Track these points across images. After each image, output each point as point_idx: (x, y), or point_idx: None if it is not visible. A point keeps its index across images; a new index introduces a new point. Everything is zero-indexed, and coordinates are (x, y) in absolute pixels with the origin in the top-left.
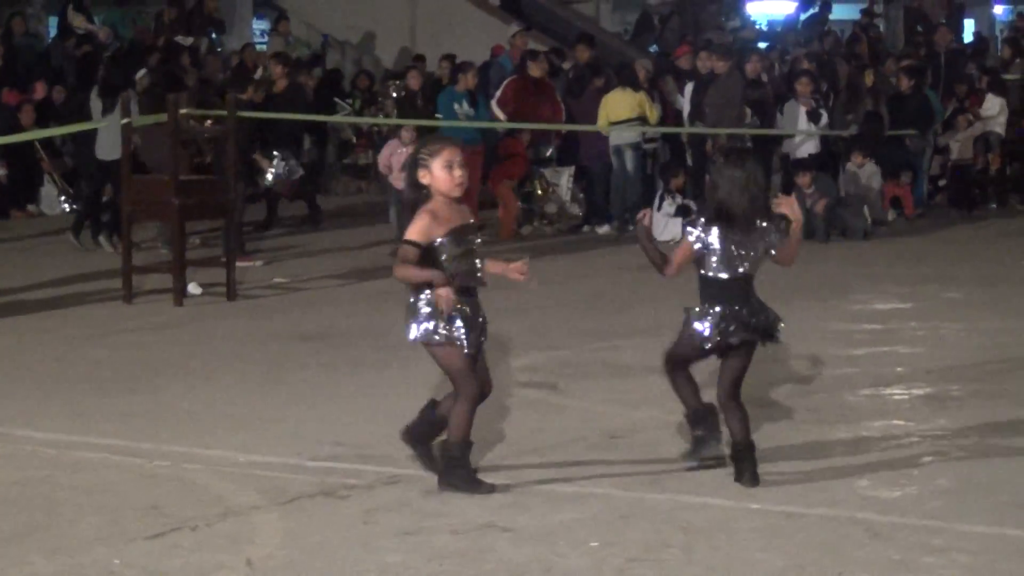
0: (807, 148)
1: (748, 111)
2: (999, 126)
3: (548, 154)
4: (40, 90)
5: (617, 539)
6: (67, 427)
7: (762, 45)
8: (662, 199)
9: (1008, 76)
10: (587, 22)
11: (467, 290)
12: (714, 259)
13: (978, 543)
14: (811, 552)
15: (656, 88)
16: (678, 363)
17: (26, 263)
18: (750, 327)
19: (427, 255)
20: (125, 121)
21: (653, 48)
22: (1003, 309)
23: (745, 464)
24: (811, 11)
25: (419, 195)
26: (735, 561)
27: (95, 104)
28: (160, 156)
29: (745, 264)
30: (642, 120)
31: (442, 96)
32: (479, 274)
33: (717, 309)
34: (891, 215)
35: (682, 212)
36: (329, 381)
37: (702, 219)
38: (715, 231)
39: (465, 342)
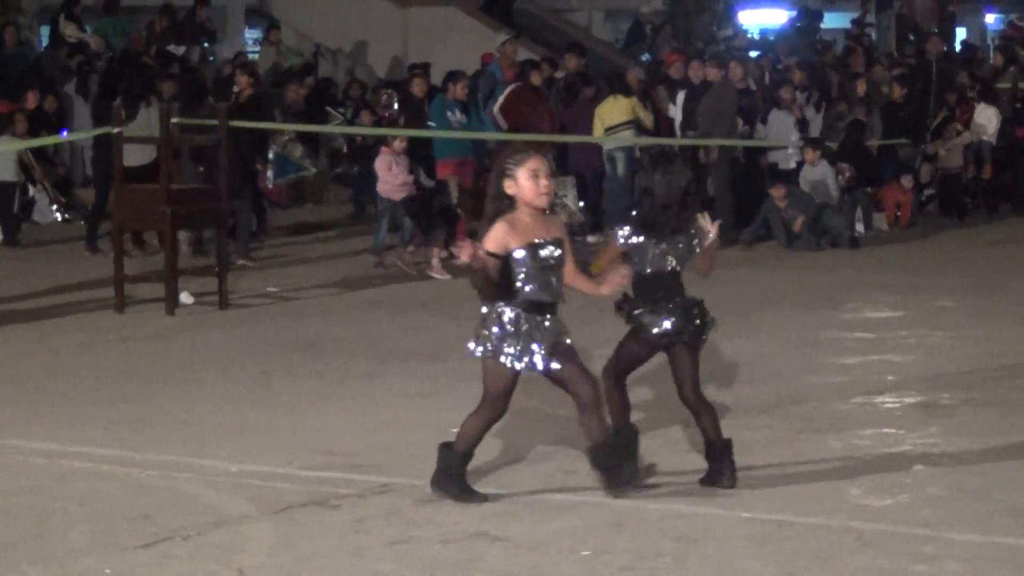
0: (796, 157)
1: (739, 120)
2: (991, 136)
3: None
4: (32, 99)
5: (609, 548)
6: (58, 436)
7: (754, 54)
8: None
9: (1000, 84)
10: (579, 31)
11: (541, 306)
12: (638, 257)
13: (969, 551)
14: (802, 560)
15: (648, 97)
16: (621, 374)
17: (18, 272)
18: (694, 321)
19: (503, 266)
20: (117, 130)
21: (645, 57)
22: (994, 317)
23: (724, 463)
24: (802, 20)
25: (502, 206)
26: (726, 569)
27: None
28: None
29: (672, 261)
30: (636, 124)
31: (435, 105)
32: (556, 289)
33: (666, 305)
34: (885, 225)
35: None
36: (320, 390)
37: (628, 223)
38: (643, 233)
39: (514, 361)
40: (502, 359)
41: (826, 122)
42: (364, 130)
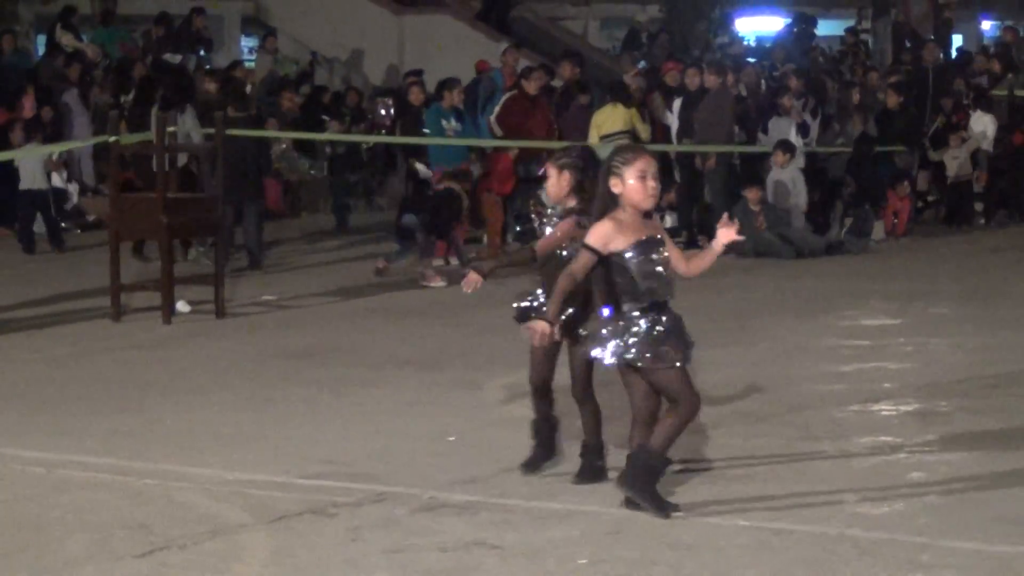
0: (795, 163)
1: (736, 128)
2: (987, 143)
3: (542, 172)
4: (29, 108)
5: (606, 556)
6: (55, 446)
7: (750, 61)
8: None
9: (996, 92)
10: (575, 39)
11: (659, 305)
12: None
13: (965, 559)
14: (799, 568)
15: (644, 105)
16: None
17: (13, 281)
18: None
19: (607, 265)
20: (114, 139)
21: (641, 64)
22: (991, 324)
23: (583, 462)
24: (797, 26)
25: (607, 204)
26: None
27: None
28: (231, 176)
29: None
30: (632, 135)
31: (429, 113)
32: (667, 286)
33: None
34: (882, 232)
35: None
36: (317, 399)
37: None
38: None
39: (673, 357)
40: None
41: (821, 129)
42: (360, 137)
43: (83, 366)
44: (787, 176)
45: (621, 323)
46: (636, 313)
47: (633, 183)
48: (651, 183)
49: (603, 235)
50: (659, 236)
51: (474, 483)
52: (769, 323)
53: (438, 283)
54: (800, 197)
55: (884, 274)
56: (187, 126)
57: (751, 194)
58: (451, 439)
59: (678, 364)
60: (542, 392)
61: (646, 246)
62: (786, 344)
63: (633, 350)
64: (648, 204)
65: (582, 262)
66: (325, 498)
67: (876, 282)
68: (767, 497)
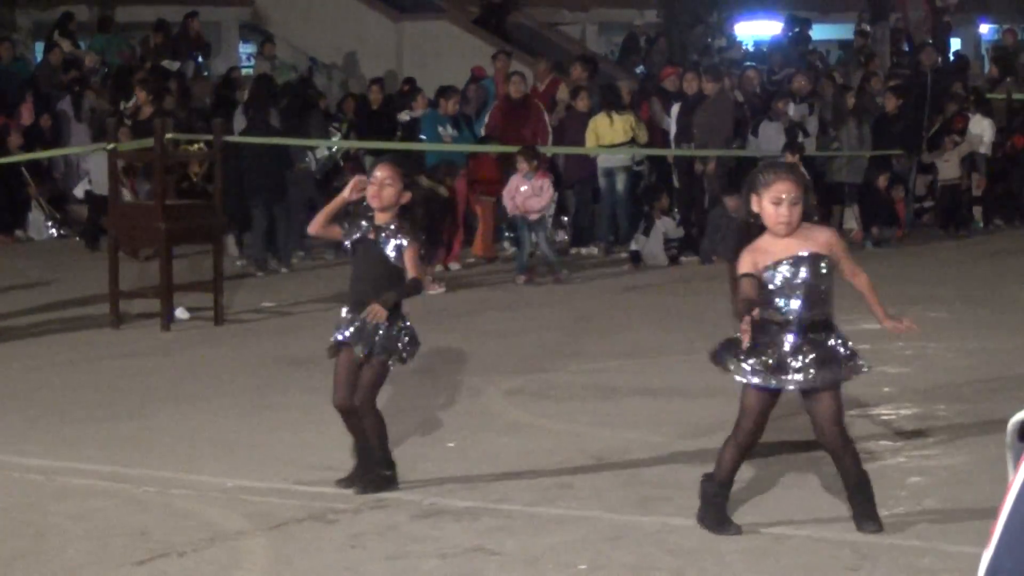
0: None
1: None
2: (985, 147)
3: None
4: (27, 115)
5: (605, 562)
6: (54, 453)
7: (749, 65)
8: (648, 222)
9: (993, 96)
10: (573, 44)
11: (814, 324)
12: None
13: (965, 564)
14: (798, 573)
15: (639, 108)
16: None
17: (13, 288)
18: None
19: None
20: (112, 146)
21: (639, 69)
22: (990, 329)
23: (379, 470)
24: (793, 30)
25: (748, 219)
26: None
27: (238, 122)
28: (257, 177)
29: None
30: (634, 142)
31: (426, 119)
32: (816, 304)
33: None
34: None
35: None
36: (317, 405)
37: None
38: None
39: (752, 378)
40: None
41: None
42: (356, 143)
43: (82, 373)
44: None
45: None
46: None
47: (767, 207)
48: (783, 210)
49: (746, 262)
50: (805, 254)
51: (474, 489)
52: None
53: (436, 290)
54: None
55: (882, 278)
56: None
57: (730, 203)
58: (450, 445)
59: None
60: (346, 414)
61: (781, 265)
62: None
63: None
64: (780, 231)
65: (746, 290)
66: (325, 505)
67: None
68: (766, 502)
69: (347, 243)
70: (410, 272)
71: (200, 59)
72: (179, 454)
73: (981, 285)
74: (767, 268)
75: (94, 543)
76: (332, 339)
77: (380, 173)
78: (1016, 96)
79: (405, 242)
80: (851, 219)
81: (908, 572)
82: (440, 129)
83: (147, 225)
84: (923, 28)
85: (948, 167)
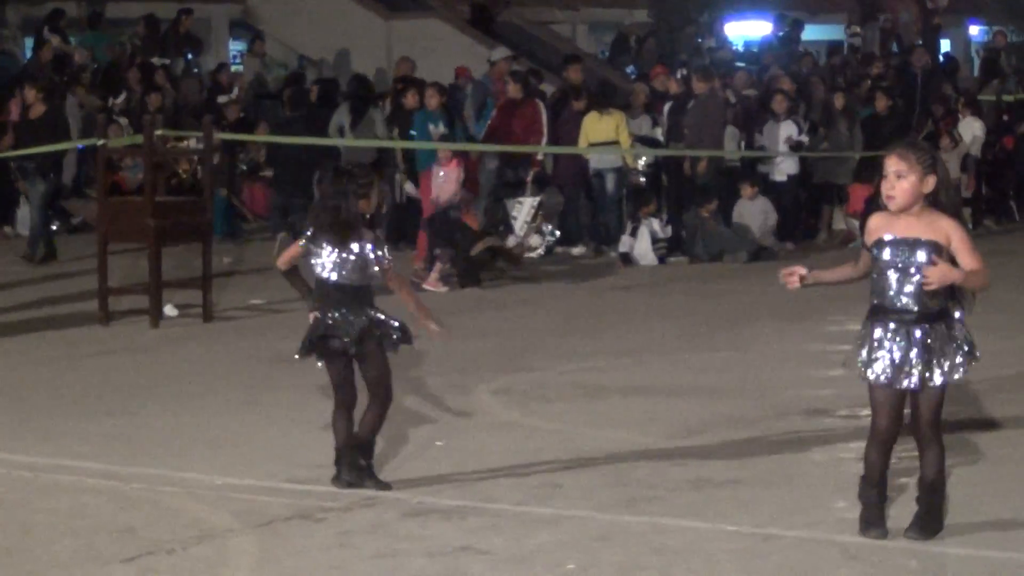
0: (786, 168)
1: (735, 130)
2: (975, 148)
3: (530, 178)
4: (15, 110)
5: (593, 562)
6: (43, 450)
7: (740, 66)
8: (635, 223)
9: (984, 97)
10: (564, 43)
11: (888, 312)
12: (318, 263)
13: (954, 565)
14: (787, 574)
15: (655, 111)
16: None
17: (1, 285)
18: (351, 334)
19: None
20: (102, 142)
21: (630, 69)
22: (979, 330)
23: (349, 458)
24: (783, 30)
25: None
26: None
27: (341, 119)
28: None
29: (343, 272)
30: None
31: (417, 117)
32: (902, 295)
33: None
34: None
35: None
36: (305, 403)
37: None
38: (322, 238)
39: (870, 371)
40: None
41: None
42: (344, 141)
43: (71, 370)
44: (757, 209)
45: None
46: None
47: (881, 180)
48: (887, 183)
49: (869, 229)
50: (926, 238)
51: (462, 488)
52: (756, 328)
53: (440, 288)
54: (770, 224)
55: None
56: (376, 125)
57: (706, 207)
58: (439, 444)
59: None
60: (352, 408)
61: (885, 246)
62: (775, 349)
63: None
64: (888, 203)
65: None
66: (313, 503)
67: (863, 287)
68: (755, 502)
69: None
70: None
71: (190, 56)
72: (167, 451)
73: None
74: (873, 246)
75: (82, 540)
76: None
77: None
78: (1006, 98)
79: (385, 260)
80: (841, 220)
81: (898, 573)
82: (431, 127)
83: (136, 222)
84: (913, 29)
85: (949, 167)
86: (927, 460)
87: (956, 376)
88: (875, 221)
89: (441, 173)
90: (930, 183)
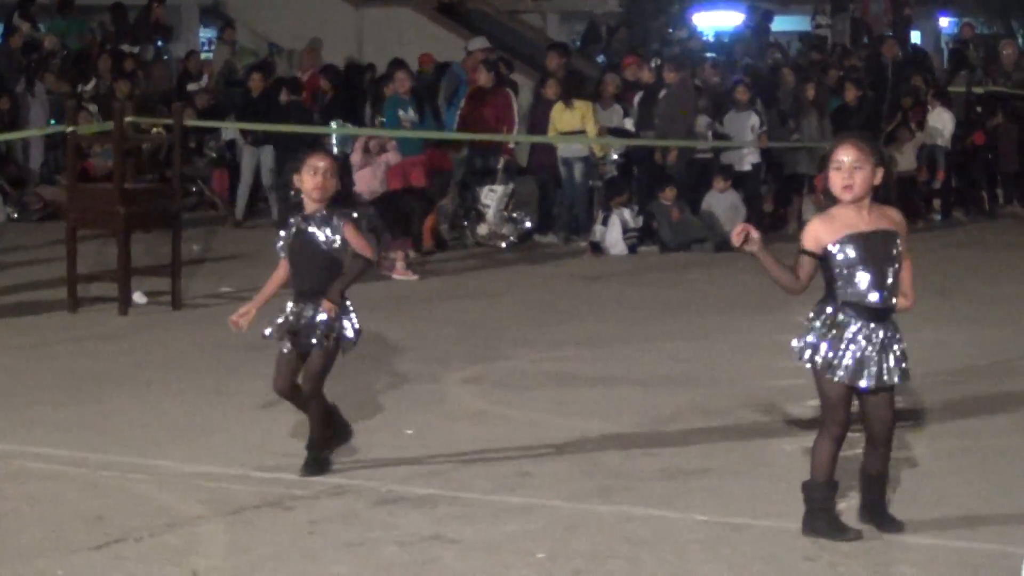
0: (751, 159)
1: (709, 120)
2: (944, 140)
3: (500, 166)
4: None
5: (563, 550)
6: (11, 437)
7: (709, 56)
8: (606, 212)
9: (953, 89)
10: (534, 33)
11: (865, 310)
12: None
13: (923, 555)
14: (757, 564)
15: (625, 101)
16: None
17: None
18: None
19: (824, 264)
20: (71, 129)
21: (600, 59)
22: (948, 320)
23: (309, 455)
24: (753, 21)
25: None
26: (681, 572)
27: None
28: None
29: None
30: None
31: (387, 103)
32: (878, 290)
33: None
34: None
35: (647, 215)
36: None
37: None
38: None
39: (838, 371)
40: (821, 369)
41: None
42: (315, 128)
43: (39, 357)
44: (726, 202)
45: (813, 317)
46: (832, 310)
47: (830, 173)
48: (841, 174)
49: (810, 234)
50: (886, 230)
51: (432, 476)
52: (725, 319)
53: (408, 276)
54: (739, 218)
55: None
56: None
57: (665, 194)
58: (409, 432)
59: (835, 378)
60: (288, 398)
61: (851, 241)
62: (744, 339)
63: (808, 351)
64: (842, 196)
65: (800, 264)
66: (283, 491)
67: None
68: (725, 491)
69: (280, 244)
70: (358, 249)
71: (160, 43)
72: (136, 439)
73: (940, 277)
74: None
75: (50, 528)
76: (272, 332)
77: (322, 164)
78: (976, 89)
79: (341, 223)
80: (810, 211)
81: (866, 563)
82: (400, 113)
83: (105, 209)
84: (883, 20)
85: (904, 158)
86: (881, 455)
87: (900, 377)
88: (820, 224)
89: (382, 160)
90: (879, 175)
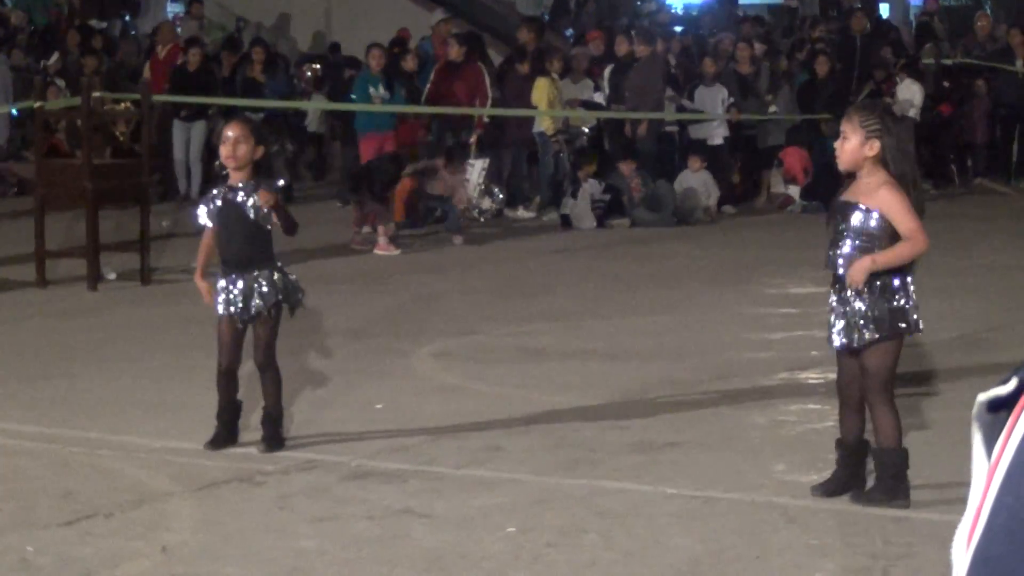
0: (721, 132)
1: (673, 93)
2: (914, 111)
3: (472, 140)
4: None
5: (534, 524)
6: None
7: (677, 30)
8: (575, 185)
9: (926, 60)
10: (504, 6)
11: (832, 276)
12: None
13: (893, 527)
14: (728, 537)
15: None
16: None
17: None
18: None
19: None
20: (39, 104)
21: (569, 32)
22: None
23: (267, 431)
24: None
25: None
26: (652, 546)
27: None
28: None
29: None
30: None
31: (358, 80)
32: (839, 258)
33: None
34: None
35: (612, 190)
36: (243, 367)
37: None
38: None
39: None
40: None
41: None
42: (285, 104)
43: (8, 333)
44: (698, 181)
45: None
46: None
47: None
48: (838, 144)
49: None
50: (849, 201)
51: (402, 451)
52: (695, 291)
53: (390, 251)
54: (711, 199)
55: (811, 242)
56: None
57: (625, 166)
58: (379, 407)
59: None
60: (229, 375)
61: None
62: (713, 312)
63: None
64: (840, 165)
65: None
66: (253, 466)
67: (802, 250)
68: (695, 465)
69: (204, 217)
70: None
71: (128, 18)
72: (106, 414)
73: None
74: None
75: (19, 504)
76: (216, 310)
77: (232, 132)
78: (945, 61)
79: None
80: (779, 183)
81: (838, 535)
82: (371, 90)
83: (74, 184)
84: None
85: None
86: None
87: (861, 341)
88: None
89: None
90: (874, 147)
